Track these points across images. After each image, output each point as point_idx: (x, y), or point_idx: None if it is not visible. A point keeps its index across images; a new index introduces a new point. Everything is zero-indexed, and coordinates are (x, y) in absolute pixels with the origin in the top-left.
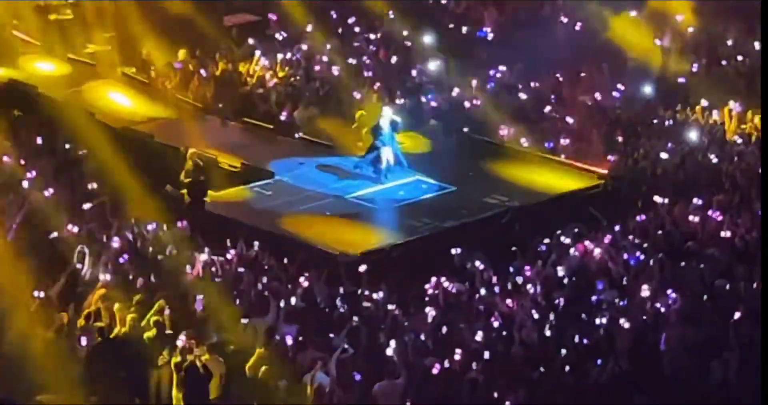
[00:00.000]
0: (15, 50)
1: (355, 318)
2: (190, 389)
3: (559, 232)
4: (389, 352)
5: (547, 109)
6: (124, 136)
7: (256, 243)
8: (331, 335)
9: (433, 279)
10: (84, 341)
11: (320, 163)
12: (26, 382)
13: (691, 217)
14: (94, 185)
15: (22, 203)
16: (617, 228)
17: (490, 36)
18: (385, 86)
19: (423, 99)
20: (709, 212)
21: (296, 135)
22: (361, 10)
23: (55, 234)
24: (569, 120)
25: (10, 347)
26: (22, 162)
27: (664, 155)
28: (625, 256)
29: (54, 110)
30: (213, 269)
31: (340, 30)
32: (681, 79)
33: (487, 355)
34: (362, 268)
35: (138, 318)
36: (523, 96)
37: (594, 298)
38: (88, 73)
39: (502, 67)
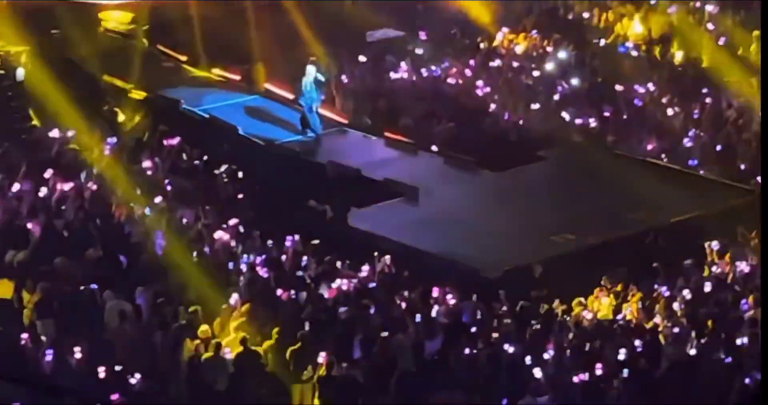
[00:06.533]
0: (158, 65)
1: (495, 335)
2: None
3: (705, 245)
4: (536, 371)
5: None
6: (269, 151)
7: (388, 257)
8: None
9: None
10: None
11: None
12: None
13: None
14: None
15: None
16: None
17: (634, 53)
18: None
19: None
20: None
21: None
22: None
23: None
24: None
25: None
26: (166, 180)
27: None
28: None
29: (198, 125)
30: (351, 286)
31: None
32: None
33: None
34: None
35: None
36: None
37: (739, 315)
38: (233, 89)
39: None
